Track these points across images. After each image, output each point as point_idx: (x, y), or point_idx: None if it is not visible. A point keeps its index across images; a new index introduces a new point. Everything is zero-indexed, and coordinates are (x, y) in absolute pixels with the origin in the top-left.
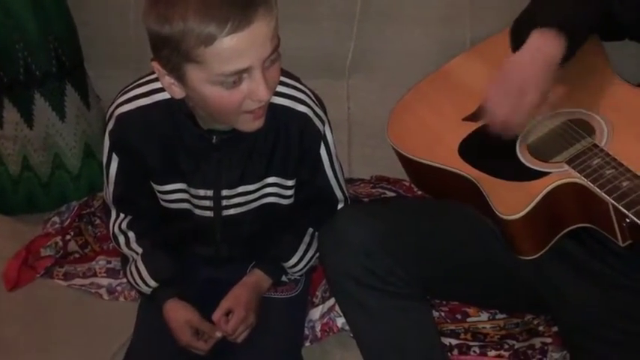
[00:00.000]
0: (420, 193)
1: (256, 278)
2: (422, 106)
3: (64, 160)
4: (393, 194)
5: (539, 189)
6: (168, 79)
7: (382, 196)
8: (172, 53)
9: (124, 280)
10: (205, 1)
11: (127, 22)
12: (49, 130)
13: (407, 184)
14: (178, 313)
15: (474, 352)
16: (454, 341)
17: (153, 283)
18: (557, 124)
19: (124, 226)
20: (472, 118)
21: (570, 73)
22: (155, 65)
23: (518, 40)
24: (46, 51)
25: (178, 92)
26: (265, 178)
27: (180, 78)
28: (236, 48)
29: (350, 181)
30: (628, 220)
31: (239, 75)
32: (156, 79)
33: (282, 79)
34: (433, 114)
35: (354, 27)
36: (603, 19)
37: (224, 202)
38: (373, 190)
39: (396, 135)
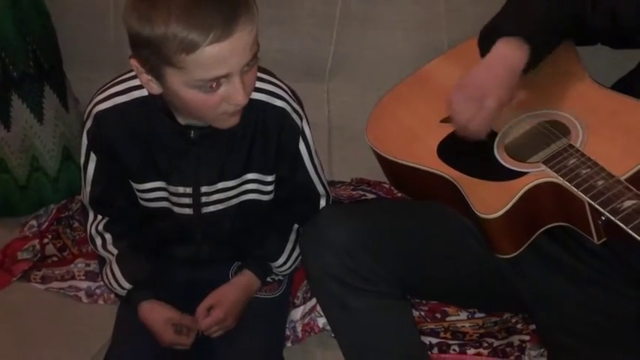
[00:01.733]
0: (399, 194)
1: (247, 279)
2: (400, 107)
3: (42, 162)
4: (373, 196)
5: (518, 188)
6: (146, 76)
7: (362, 197)
8: (152, 55)
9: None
10: (189, 8)
11: (106, 24)
12: (26, 132)
13: (387, 186)
14: (157, 313)
15: (454, 350)
16: (434, 340)
17: (127, 285)
18: (533, 125)
19: (100, 227)
20: (450, 119)
21: (545, 75)
22: (133, 62)
23: (484, 48)
24: (24, 52)
25: (156, 89)
26: (245, 174)
27: (159, 78)
28: (217, 56)
29: (330, 183)
30: (603, 218)
31: (217, 80)
32: (133, 77)
33: (258, 74)
34: (411, 115)
35: (333, 31)
36: (575, 26)
37: (203, 199)
38: (353, 193)
39: (374, 136)
